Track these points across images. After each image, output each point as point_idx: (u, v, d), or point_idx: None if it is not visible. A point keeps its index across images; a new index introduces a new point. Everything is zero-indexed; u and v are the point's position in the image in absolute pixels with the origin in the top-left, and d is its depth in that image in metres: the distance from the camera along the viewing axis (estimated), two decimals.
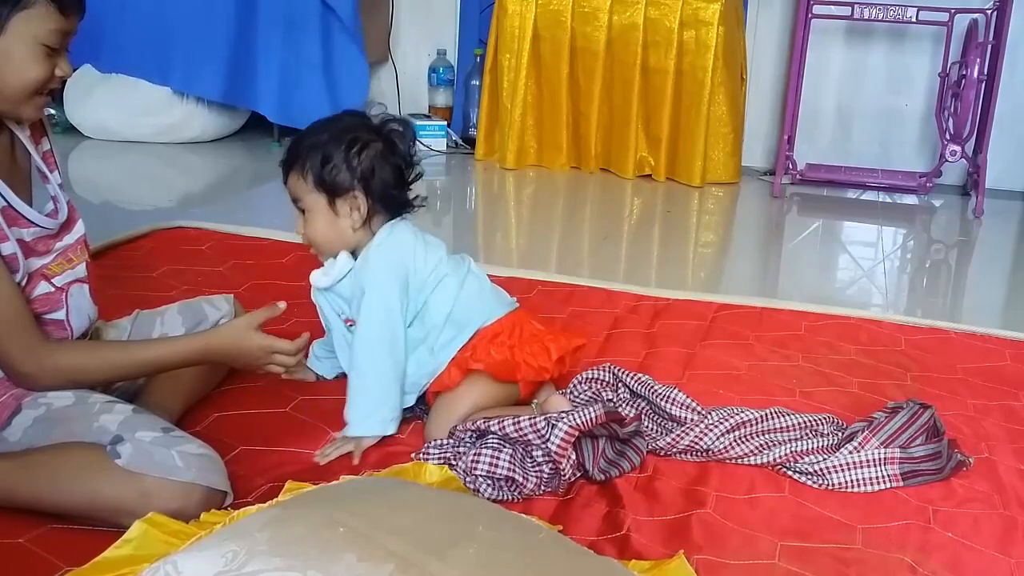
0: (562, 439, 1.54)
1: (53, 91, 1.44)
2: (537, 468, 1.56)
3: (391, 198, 1.72)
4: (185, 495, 1.36)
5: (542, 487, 1.56)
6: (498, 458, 1.55)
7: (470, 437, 1.63)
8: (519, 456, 1.57)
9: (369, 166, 1.69)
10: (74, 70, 1.48)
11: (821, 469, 1.65)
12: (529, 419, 1.58)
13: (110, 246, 2.57)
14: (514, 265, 2.78)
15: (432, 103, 4.45)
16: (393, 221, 1.74)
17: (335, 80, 4.03)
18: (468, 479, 1.55)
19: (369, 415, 1.68)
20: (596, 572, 1.12)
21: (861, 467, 1.65)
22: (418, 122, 4.29)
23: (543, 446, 1.55)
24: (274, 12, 3.91)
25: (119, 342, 1.62)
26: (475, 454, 1.57)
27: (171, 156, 3.88)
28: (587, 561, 1.14)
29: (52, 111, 4.03)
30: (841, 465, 1.65)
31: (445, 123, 4.31)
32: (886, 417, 1.73)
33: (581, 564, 1.11)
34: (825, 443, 1.72)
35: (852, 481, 1.64)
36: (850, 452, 1.67)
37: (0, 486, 1.38)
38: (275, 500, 1.38)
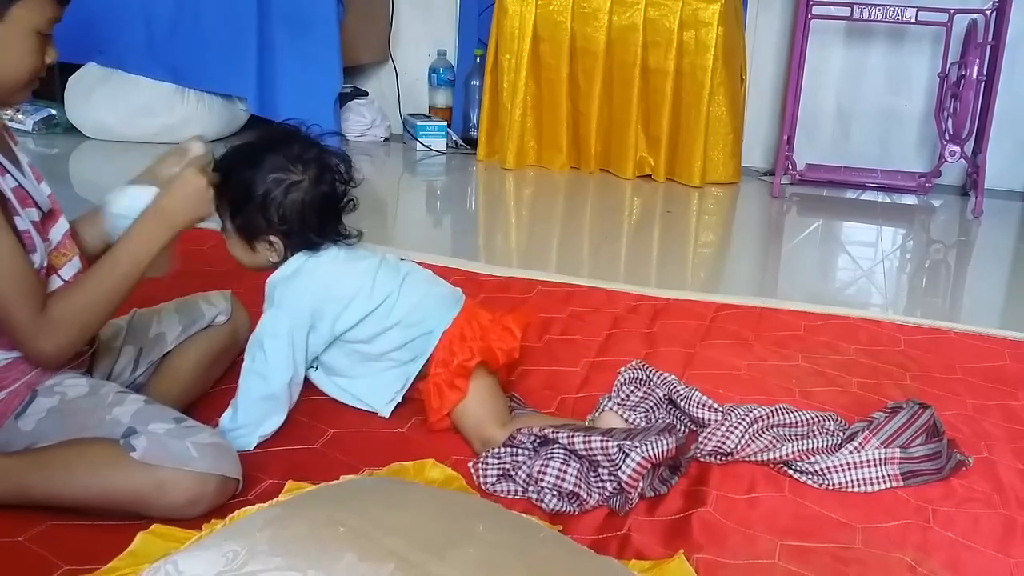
0: (634, 470, 1.50)
1: (42, 77, 1.45)
2: (600, 484, 1.53)
3: (310, 239, 1.68)
4: (201, 484, 1.38)
5: (602, 502, 1.53)
6: (565, 472, 1.52)
7: (532, 443, 1.60)
8: (585, 471, 1.54)
9: (288, 211, 1.63)
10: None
11: (821, 469, 1.65)
12: (601, 440, 1.53)
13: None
14: (514, 265, 2.78)
15: (432, 103, 4.45)
16: (312, 251, 1.69)
17: (310, 74, 4.06)
18: (532, 489, 1.53)
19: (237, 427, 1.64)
20: (596, 572, 1.12)
21: (861, 467, 1.65)
22: (418, 122, 4.30)
23: (613, 472, 1.52)
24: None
25: (89, 271, 1.50)
26: (541, 465, 1.53)
27: None
28: (587, 561, 1.14)
29: (53, 111, 4.03)
30: (841, 465, 1.65)
31: (445, 123, 4.31)
32: (886, 417, 1.73)
33: (581, 564, 1.11)
34: (826, 443, 1.72)
35: (852, 481, 1.64)
36: (850, 452, 1.67)
37: (14, 484, 1.38)
38: (275, 500, 1.38)
